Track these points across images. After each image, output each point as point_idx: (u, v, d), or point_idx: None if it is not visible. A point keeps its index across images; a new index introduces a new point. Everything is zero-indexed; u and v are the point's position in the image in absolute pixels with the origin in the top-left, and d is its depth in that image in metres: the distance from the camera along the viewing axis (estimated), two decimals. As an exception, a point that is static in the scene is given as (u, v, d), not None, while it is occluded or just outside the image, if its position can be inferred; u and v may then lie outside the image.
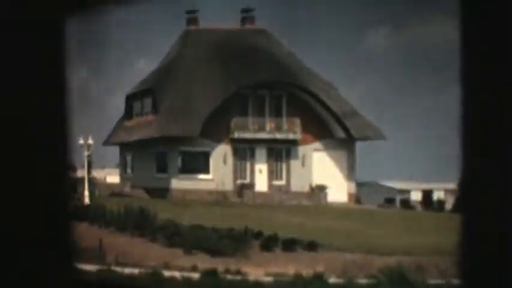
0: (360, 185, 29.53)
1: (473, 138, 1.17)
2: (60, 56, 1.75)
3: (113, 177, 32.09)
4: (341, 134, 28.47)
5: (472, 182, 1.18)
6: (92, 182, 25.56)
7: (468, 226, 1.20)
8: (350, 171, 28.88)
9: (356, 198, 28.86)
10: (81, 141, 22.89)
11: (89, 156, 24.70)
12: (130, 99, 30.76)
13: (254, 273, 14.11)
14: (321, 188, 27.76)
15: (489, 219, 1.16)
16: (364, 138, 28.70)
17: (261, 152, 28.59)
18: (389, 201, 29.40)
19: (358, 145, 29.23)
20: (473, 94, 1.17)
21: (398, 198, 30.33)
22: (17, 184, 1.76)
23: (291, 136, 28.46)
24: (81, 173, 22.67)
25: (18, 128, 1.75)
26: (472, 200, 1.19)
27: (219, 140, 28.19)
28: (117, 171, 32.31)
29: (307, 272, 14.19)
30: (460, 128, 1.18)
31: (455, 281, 11.86)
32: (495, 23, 1.13)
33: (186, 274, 13.64)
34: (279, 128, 28.58)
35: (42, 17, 1.73)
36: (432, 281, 13.36)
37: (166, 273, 13.48)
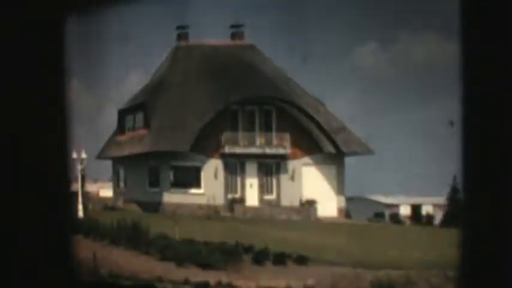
0: (349, 199, 29.82)
1: (473, 145, 1.17)
2: (60, 56, 1.75)
3: (105, 191, 32.08)
4: (330, 148, 28.83)
5: (472, 192, 1.17)
6: (86, 196, 25.60)
7: (468, 236, 1.18)
8: (339, 186, 29.19)
9: (345, 212, 29.14)
10: (75, 155, 22.96)
11: (82, 170, 24.75)
12: (122, 113, 30.93)
13: (245, 286, 14.25)
14: (311, 203, 28.01)
15: (490, 228, 1.15)
16: (353, 153, 29.08)
17: (251, 167, 28.83)
18: (379, 215, 29.72)
19: (347, 160, 29.62)
20: (474, 99, 1.17)
21: (387, 212, 30.65)
22: (17, 190, 1.73)
23: (280, 151, 28.76)
24: (75, 186, 22.70)
25: (18, 129, 1.73)
26: (471, 209, 1.18)
27: (210, 155, 28.40)
28: (110, 185, 32.33)
29: (297, 285, 14.35)
30: (461, 132, 1.17)
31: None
32: (495, 29, 1.13)
33: (178, 287, 13.76)
34: (269, 143, 28.87)
35: (42, 17, 1.72)
36: (421, 294, 13.57)
37: (159, 286, 13.60)
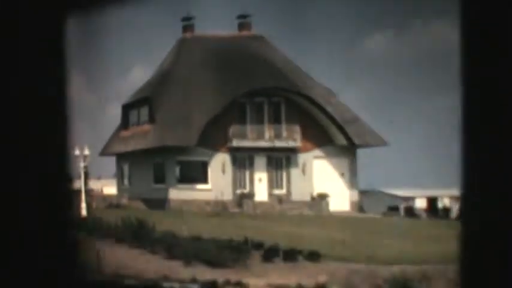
0: (362, 193, 29.69)
1: (474, 141, 1.17)
2: (60, 56, 1.77)
3: (109, 189, 32.25)
4: (342, 140, 28.69)
5: (475, 187, 1.18)
6: (89, 193, 25.73)
7: (469, 232, 1.19)
8: (352, 179, 29.06)
9: (359, 206, 29.02)
10: (77, 152, 23.03)
11: (85, 167, 24.83)
12: (126, 108, 31.02)
13: (255, 284, 14.21)
14: (323, 197, 27.93)
15: (491, 225, 1.16)
16: (366, 145, 28.91)
17: (260, 161, 28.78)
18: (393, 209, 29.52)
19: (360, 152, 29.45)
20: (474, 95, 1.18)
21: (402, 206, 30.45)
22: (17, 189, 1.75)
23: (290, 144, 28.67)
24: (78, 184, 22.81)
25: (19, 129, 1.76)
26: (474, 205, 1.19)
27: (217, 149, 28.39)
28: (114, 182, 32.49)
29: (309, 283, 14.28)
30: (460, 130, 1.18)
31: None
32: (496, 22, 1.14)
33: (185, 286, 13.76)
34: (278, 136, 28.80)
35: (42, 17, 1.75)
36: (438, 290, 13.46)
37: (166, 285, 13.61)
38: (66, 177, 1.82)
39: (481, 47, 1.16)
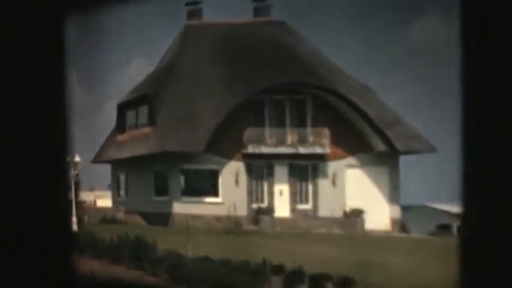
0: (405, 208, 29.77)
1: (474, 141, 1.27)
2: (60, 57, 2.04)
3: (103, 201, 32.89)
4: (381, 146, 28.87)
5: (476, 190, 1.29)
6: (80, 206, 26.33)
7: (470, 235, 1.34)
8: (393, 192, 29.19)
9: (401, 224, 29.13)
10: (67, 159, 23.57)
11: (76, 176, 25.43)
12: (122, 108, 31.63)
13: (275, 314, 14.48)
14: (357, 213, 28.15)
15: (492, 227, 1.26)
16: (410, 151, 29.03)
17: (281, 170, 29.12)
18: (444, 228, 29.51)
19: (403, 160, 29.58)
20: (474, 94, 1.27)
21: (454, 224, 30.40)
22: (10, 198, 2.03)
23: (317, 150, 28.97)
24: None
25: (17, 131, 2.03)
26: (474, 207, 1.30)
27: (229, 156, 28.83)
28: (109, 193, 33.10)
29: (340, 313, 14.51)
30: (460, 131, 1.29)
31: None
32: (496, 19, 1.24)
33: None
34: (302, 141, 29.11)
35: (42, 17, 2.01)
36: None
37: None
38: (66, 178, 2.13)
39: (480, 42, 1.25)
